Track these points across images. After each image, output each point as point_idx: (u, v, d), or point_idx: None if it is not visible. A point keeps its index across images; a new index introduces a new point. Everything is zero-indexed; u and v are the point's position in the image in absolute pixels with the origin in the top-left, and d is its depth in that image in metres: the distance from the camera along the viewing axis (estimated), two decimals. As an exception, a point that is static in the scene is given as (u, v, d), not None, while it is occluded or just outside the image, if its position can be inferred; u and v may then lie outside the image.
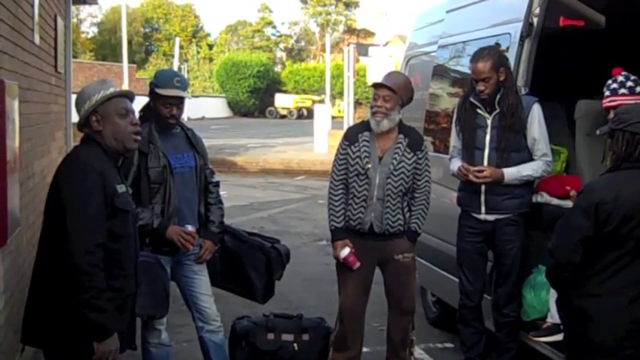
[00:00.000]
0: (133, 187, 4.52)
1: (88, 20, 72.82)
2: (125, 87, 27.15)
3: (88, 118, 3.40)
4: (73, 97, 8.77)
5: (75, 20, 61.11)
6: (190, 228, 4.64)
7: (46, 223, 3.36)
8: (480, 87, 4.99)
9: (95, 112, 3.39)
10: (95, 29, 73.15)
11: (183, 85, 4.69)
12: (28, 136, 5.07)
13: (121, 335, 3.35)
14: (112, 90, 3.43)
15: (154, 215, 4.55)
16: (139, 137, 3.55)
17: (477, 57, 5.02)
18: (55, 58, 6.96)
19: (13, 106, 4.39)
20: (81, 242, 3.15)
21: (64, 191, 3.23)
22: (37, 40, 5.61)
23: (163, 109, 4.59)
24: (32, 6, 5.42)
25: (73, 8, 8.95)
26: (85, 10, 67.17)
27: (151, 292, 4.32)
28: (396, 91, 4.99)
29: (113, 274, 3.27)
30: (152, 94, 4.63)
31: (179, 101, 4.64)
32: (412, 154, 5.05)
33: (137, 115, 4.71)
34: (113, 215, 3.29)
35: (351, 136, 5.14)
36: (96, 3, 11.26)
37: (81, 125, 3.44)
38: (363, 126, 5.18)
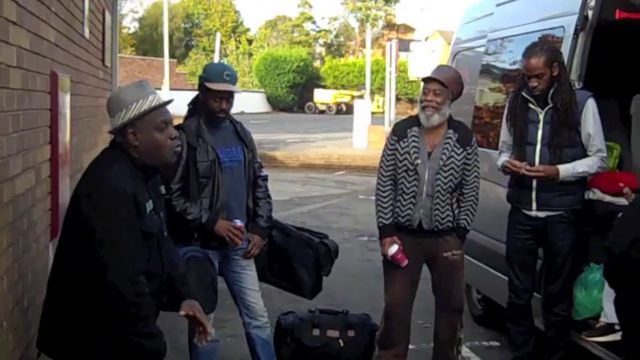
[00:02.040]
0: (181, 181, 4.54)
1: (129, 15, 73.48)
2: (166, 81, 27.38)
3: (123, 128, 3.07)
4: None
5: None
6: (239, 223, 4.62)
7: (66, 238, 3.09)
8: (533, 83, 4.90)
9: (132, 125, 3.06)
10: (136, 24, 73.83)
11: (233, 78, 4.65)
12: (77, 130, 5.11)
13: None
14: (151, 99, 3.08)
15: (202, 210, 4.53)
16: (178, 149, 3.40)
17: (529, 52, 4.93)
18: (103, 52, 7.01)
19: (65, 100, 4.42)
20: (123, 273, 2.92)
21: (95, 219, 2.92)
22: (87, 33, 5.65)
23: (213, 103, 4.56)
24: (83, 0, 5.45)
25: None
26: (126, 6, 67.84)
27: (200, 287, 4.29)
28: (446, 85, 4.91)
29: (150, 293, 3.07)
30: (201, 87, 4.61)
31: (229, 95, 4.61)
32: (462, 150, 4.98)
33: (186, 108, 4.74)
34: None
35: (400, 132, 5.08)
36: (140, -3, 11.31)
37: (114, 133, 3.12)
38: (411, 121, 5.11)
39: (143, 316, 2.99)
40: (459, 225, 5.04)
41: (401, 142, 5.02)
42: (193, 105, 4.71)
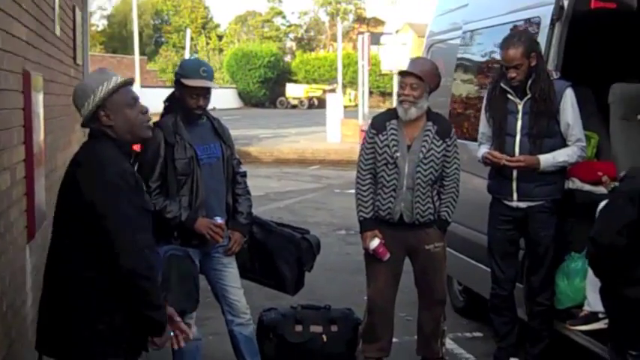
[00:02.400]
0: (159, 179, 4.47)
1: (98, 13, 72.77)
2: (136, 79, 27.16)
3: (95, 113, 3.11)
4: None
5: (84, 13, 61.05)
6: (219, 220, 4.56)
7: (61, 229, 3.11)
8: (512, 74, 4.88)
9: (103, 107, 3.11)
10: (105, 22, 73.20)
11: (210, 74, 4.59)
12: (51, 129, 5.01)
13: None
14: (114, 79, 3.14)
15: (181, 208, 4.47)
16: (150, 124, 3.38)
17: (507, 43, 4.91)
18: (74, 49, 6.90)
19: (38, 100, 4.33)
20: (133, 246, 2.97)
21: (101, 199, 2.97)
22: (57, 31, 5.54)
23: (190, 99, 4.50)
24: (53, -3, 5.35)
25: (86, 0, 8.88)
26: (94, 3, 67.16)
27: (182, 286, 4.23)
28: (423, 78, 4.89)
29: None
30: (178, 84, 4.54)
31: (206, 91, 4.55)
32: (441, 142, 4.96)
33: (160, 105, 4.67)
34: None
35: (379, 125, 5.04)
36: (109, -6, 11.15)
37: (87, 122, 3.15)
38: (390, 114, 5.08)
39: (154, 287, 3.04)
40: (440, 217, 5.02)
41: (380, 135, 4.98)
42: (169, 102, 4.64)
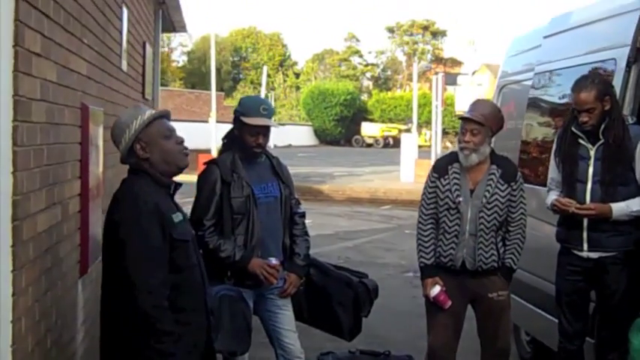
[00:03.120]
0: (214, 217, 4.41)
1: (178, 49, 74.65)
2: (213, 114, 27.59)
3: (131, 147, 3.17)
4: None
5: (166, 49, 62.86)
6: (274, 261, 4.48)
7: (106, 264, 3.19)
8: (584, 118, 4.69)
9: (138, 140, 3.17)
10: (185, 58, 74.96)
11: (270, 112, 4.55)
12: (112, 163, 5.01)
13: None
14: (149, 113, 3.21)
15: (236, 247, 4.41)
16: (188, 152, 3.36)
17: (579, 86, 4.72)
18: (143, 84, 6.97)
19: (98, 133, 4.34)
20: (142, 283, 2.98)
21: (120, 230, 3.04)
22: (124, 66, 5.59)
23: (249, 137, 4.45)
24: (120, 32, 5.40)
25: (164, 37, 9.02)
26: (175, 40, 68.93)
27: (233, 327, 4.17)
28: (484, 123, 4.74)
29: (179, 307, 3.10)
30: (237, 121, 4.50)
31: (266, 130, 4.51)
32: (506, 186, 4.80)
33: (220, 142, 4.63)
34: (173, 247, 3.13)
35: (441, 169, 4.91)
36: (185, 31, 11.33)
37: (125, 157, 3.22)
38: (452, 157, 4.96)
39: (158, 330, 2.99)
40: (505, 264, 4.85)
41: (442, 180, 4.85)
42: (228, 139, 4.59)
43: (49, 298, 3.28)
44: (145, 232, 3.03)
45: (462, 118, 4.84)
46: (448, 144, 47.90)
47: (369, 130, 58.22)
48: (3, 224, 2.63)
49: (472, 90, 24.10)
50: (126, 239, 3.01)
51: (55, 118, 3.29)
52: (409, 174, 24.74)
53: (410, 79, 51.40)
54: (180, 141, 3.26)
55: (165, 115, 3.29)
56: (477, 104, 4.96)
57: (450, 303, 4.83)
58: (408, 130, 35.85)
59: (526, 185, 5.91)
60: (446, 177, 4.85)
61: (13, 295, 2.70)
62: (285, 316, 4.67)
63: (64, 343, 3.60)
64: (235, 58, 77.27)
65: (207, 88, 35.12)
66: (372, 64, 79.28)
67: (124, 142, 3.18)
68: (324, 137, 61.17)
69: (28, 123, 2.83)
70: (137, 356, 3.02)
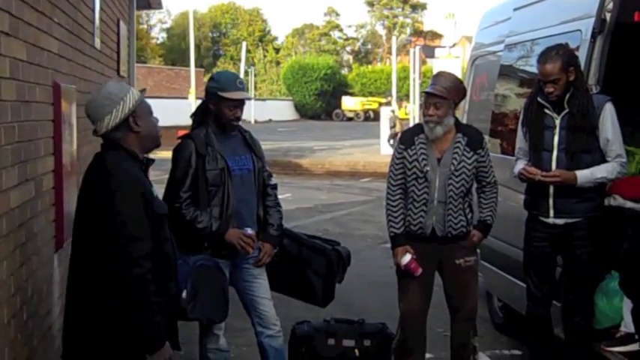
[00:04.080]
0: (190, 189, 4.50)
1: (157, 26, 74.11)
2: (192, 90, 27.52)
3: (125, 120, 3.21)
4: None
5: (145, 26, 62.38)
6: (250, 231, 4.58)
7: (82, 237, 3.22)
8: (549, 89, 4.79)
9: (133, 114, 3.22)
10: (164, 35, 74.46)
11: (244, 86, 4.70)
12: (87, 140, 5.07)
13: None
14: (133, 90, 3.30)
15: (212, 218, 4.49)
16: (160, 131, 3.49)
17: (544, 58, 4.82)
18: (118, 62, 6.99)
19: (71, 111, 4.39)
20: (129, 257, 3.04)
21: (106, 206, 3.08)
22: (97, 44, 5.62)
23: (227, 111, 4.56)
24: (93, 10, 5.43)
25: (142, 14, 9.03)
26: (154, 17, 68.43)
27: (211, 296, 4.27)
28: (446, 96, 4.86)
29: (160, 277, 3.17)
30: (214, 97, 4.57)
31: (242, 103, 4.64)
32: (472, 153, 4.93)
33: (190, 120, 4.73)
34: (154, 221, 3.20)
35: (407, 140, 5.03)
36: (161, 8, 11.31)
37: (109, 130, 3.21)
38: (418, 128, 5.09)
39: (144, 301, 3.06)
40: (485, 222, 5.05)
41: (409, 150, 4.96)
42: (199, 115, 4.68)
43: (24, 272, 3.35)
44: (131, 205, 3.09)
45: (425, 93, 4.95)
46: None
47: (350, 104, 58.19)
48: (-25, 200, 2.70)
49: (450, 62, 24.15)
50: (111, 213, 3.06)
51: (25, 96, 3.34)
52: (389, 147, 24.85)
53: (390, 52, 51.38)
54: (157, 120, 3.39)
55: (144, 91, 3.41)
56: (438, 77, 5.05)
57: (420, 270, 4.94)
58: (388, 104, 35.90)
59: (497, 155, 6.06)
60: (412, 147, 4.96)
61: (-13, 268, 2.78)
62: (261, 284, 4.76)
63: (40, 316, 3.68)
64: (215, 34, 76.87)
65: (187, 64, 34.99)
66: (352, 38, 79.08)
67: (113, 115, 3.19)
68: (304, 112, 61.10)
69: (-1, 102, 2.90)
70: (122, 328, 3.08)
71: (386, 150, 24.92)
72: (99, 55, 5.78)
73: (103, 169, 3.18)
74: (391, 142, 25.99)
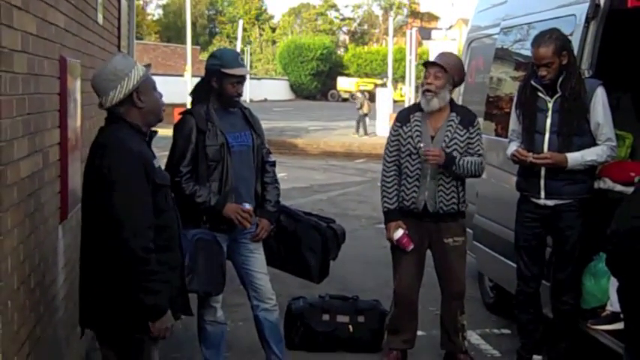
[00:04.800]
0: (190, 164, 4.59)
1: (154, 2, 73.81)
2: (188, 68, 27.52)
3: (130, 96, 3.30)
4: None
5: (141, 2, 62.04)
6: (247, 206, 4.67)
7: (87, 208, 3.34)
8: (542, 72, 4.88)
9: (137, 89, 3.31)
10: (160, 11, 74.11)
11: (244, 62, 4.84)
12: (90, 114, 5.15)
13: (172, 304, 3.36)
14: (139, 65, 3.36)
15: (211, 193, 4.59)
16: (164, 106, 3.58)
17: (538, 41, 4.91)
18: (119, 37, 7.05)
19: (76, 85, 4.46)
20: (131, 227, 3.13)
21: (106, 177, 3.18)
22: (100, 19, 5.68)
23: (230, 87, 4.64)
24: (96, -15, 5.49)
25: (138, -11, 9.04)
26: (151, -8, 68.01)
27: (208, 269, 4.36)
28: (447, 69, 4.98)
29: (159, 247, 3.26)
30: (216, 73, 4.65)
31: (244, 79, 4.76)
32: (465, 131, 5.06)
33: (185, 98, 4.84)
34: (155, 191, 3.29)
35: (403, 118, 5.17)
36: (160, -16, 11.34)
37: (113, 105, 3.31)
38: (415, 107, 5.24)
39: (147, 270, 3.15)
40: (451, 153, 5.03)
41: (404, 127, 5.09)
42: (199, 92, 4.77)
43: (32, 241, 3.44)
44: (133, 176, 3.18)
45: (427, 64, 5.07)
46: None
47: (345, 84, 58.12)
48: (-12, 169, 2.79)
49: (446, 44, 24.19)
50: (114, 184, 3.15)
51: (35, 69, 3.41)
52: (384, 128, 24.87)
53: (386, 33, 51.36)
54: (160, 95, 3.46)
55: (149, 67, 3.47)
56: (442, 54, 5.25)
57: (412, 246, 5.07)
58: (384, 85, 35.93)
59: (491, 137, 6.16)
60: (408, 125, 5.08)
61: (0, 235, 2.86)
62: (257, 259, 4.86)
63: (46, 284, 3.77)
64: (211, 12, 76.52)
65: (183, 42, 34.90)
66: (349, 19, 78.82)
67: (117, 90, 3.28)
68: (300, 92, 61.03)
69: (11, 73, 2.95)
70: (125, 296, 3.18)
71: (381, 132, 24.98)
72: (101, 30, 5.84)
73: (103, 142, 3.29)
74: (360, 132, 26.01)
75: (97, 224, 3.24)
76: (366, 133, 25.96)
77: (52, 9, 3.79)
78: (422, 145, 4.99)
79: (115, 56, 3.52)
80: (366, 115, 26.30)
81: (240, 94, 4.73)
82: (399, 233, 5.05)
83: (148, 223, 3.19)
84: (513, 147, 5.15)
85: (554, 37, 4.88)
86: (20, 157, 3.17)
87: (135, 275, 3.15)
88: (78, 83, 4.53)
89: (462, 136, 5.03)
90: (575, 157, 4.89)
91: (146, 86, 3.35)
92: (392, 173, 5.13)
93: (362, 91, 30.18)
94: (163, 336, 3.30)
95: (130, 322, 3.25)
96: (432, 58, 5.36)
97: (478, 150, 5.12)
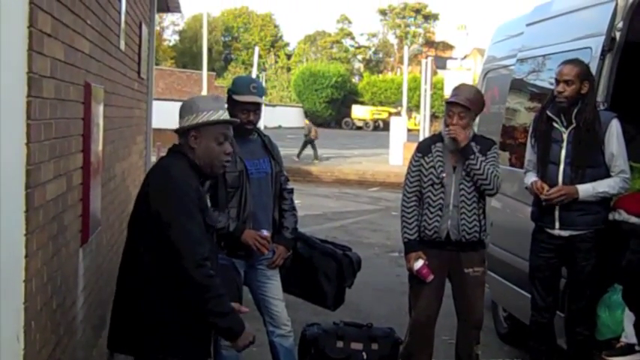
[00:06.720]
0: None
1: (170, 28, 74.43)
2: (204, 94, 27.67)
3: (187, 131, 3.39)
4: (155, 102, 9.03)
5: (158, 28, 62.57)
6: (265, 233, 4.71)
7: (134, 236, 3.37)
8: (560, 88, 4.90)
9: (196, 129, 3.38)
10: (177, 37, 74.71)
11: (260, 91, 4.80)
12: (110, 139, 5.23)
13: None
14: (220, 113, 3.41)
15: (230, 219, 4.63)
16: (228, 164, 3.63)
17: (565, 61, 4.99)
18: (139, 64, 7.15)
19: (99, 111, 4.54)
20: (192, 258, 3.17)
21: (165, 209, 3.21)
22: (122, 45, 5.78)
23: (241, 114, 4.67)
24: (119, 13, 5.59)
25: (156, 16, 9.19)
26: (167, 19, 68.70)
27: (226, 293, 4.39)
28: (469, 107, 5.01)
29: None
30: (230, 100, 4.73)
31: (256, 107, 4.75)
32: (483, 157, 5.07)
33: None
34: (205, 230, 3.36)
35: (424, 148, 5.20)
36: (179, 11, 11.49)
37: (180, 133, 3.43)
38: (435, 138, 5.24)
39: (212, 296, 3.22)
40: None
41: (425, 158, 5.11)
42: None
43: (55, 263, 3.50)
44: (191, 211, 3.24)
45: (449, 102, 5.09)
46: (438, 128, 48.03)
47: (359, 112, 58.29)
48: (18, 191, 2.84)
49: (461, 74, 24.31)
50: (173, 218, 3.19)
51: (62, 95, 3.49)
52: (398, 157, 24.96)
53: (401, 62, 51.57)
54: (228, 152, 3.47)
55: (232, 123, 3.54)
56: (460, 89, 5.21)
57: (432, 277, 5.08)
58: (398, 114, 36.04)
59: (506, 168, 6.19)
60: (429, 155, 5.11)
61: (26, 256, 2.91)
62: (273, 285, 4.90)
63: (66, 306, 3.82)
64: (227, 38, 77.08)
65: (199, 67, 35.16)
66: (364, 47, 79.24)
67: (185, 121, 3.40)
68: (314, 119, 61.16)
69: (40, 98, 3.04)
70: (196, 322, 3.27)
71: (394, 160, 25.04)
72: (123, 56, 5.95)
73: (166, 172, 3.33)
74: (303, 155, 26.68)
75: (150, 252, 3.25)
76: (316, 157, 26.98)
77: (78, 35, 3.88)
78: (444, 175, 5.02)
79: (212, 94, 3.61)
80: (312, 141, 27.59)
81: (251, 122, 4.74)
82: (419, 264, 5.07)
83: (205, 254, 3.24)
84: (533, 177, 5.16)
85: (581, 62, 4.94)
86: (46, 181, 3.24)
87: (201, 303, 3.22)
88: (101, 108, 4.61)
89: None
90: (586, 189, 4.91)
91: (207, 132, 3.38)
92: (412, 204, 5.15)
93: (309, 120, 31.67)
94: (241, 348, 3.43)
95: (173, 345, 3.30)
96: (447, 88, 5.44)
97: (493, 163, 5.09)
